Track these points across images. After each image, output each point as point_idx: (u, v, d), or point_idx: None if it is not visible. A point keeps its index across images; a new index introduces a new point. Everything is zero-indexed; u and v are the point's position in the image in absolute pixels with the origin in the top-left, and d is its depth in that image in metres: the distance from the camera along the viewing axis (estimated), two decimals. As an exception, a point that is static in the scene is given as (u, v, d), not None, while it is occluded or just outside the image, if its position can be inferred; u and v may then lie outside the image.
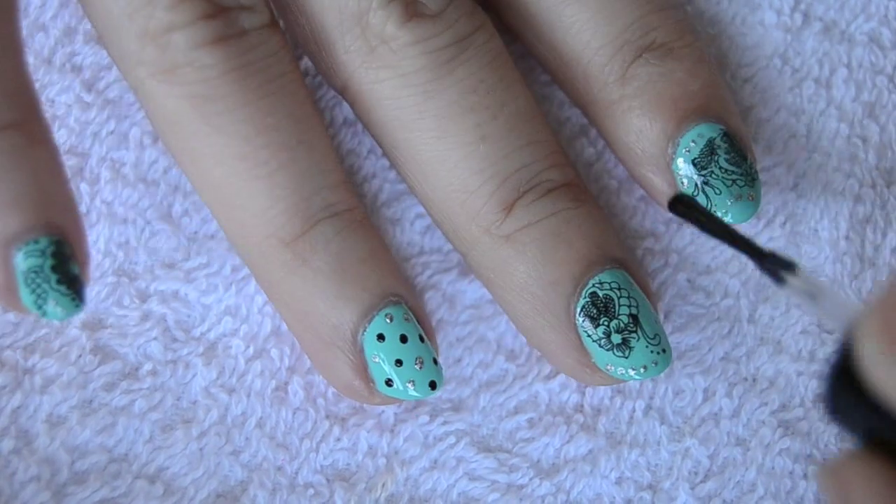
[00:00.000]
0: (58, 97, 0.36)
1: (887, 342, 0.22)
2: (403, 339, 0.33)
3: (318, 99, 0.37)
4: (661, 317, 0.36)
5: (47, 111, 0.35)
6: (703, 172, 0.34)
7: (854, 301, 0.25)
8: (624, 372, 0.33)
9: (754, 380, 0.36)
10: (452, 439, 0.35)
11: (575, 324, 0.33)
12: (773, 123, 0.37)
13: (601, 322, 0.33)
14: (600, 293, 0.33)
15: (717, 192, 0.34)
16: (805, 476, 0.35)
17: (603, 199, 0.37)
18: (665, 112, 0.34)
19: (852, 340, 0.23)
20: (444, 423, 0.35)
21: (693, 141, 0.34)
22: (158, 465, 0.34)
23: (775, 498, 0.35)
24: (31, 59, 0.36)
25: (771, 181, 0.37)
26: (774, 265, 0.28)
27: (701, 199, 0.34)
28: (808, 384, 0.36)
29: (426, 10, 0.32)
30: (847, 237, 0.37)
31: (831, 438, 0.36)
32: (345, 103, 0.37)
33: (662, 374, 0.36)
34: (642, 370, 0.33)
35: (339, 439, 0.35)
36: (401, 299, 0.33)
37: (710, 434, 0.36)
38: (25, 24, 0.36)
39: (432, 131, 0.33)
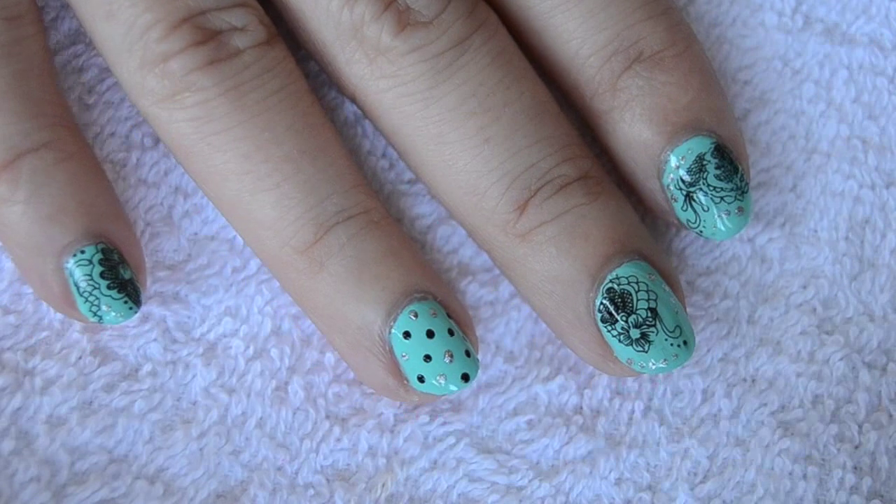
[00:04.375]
0: (59, 99, 0.36)
1: None
2: (430, 334, 0.33)
3: (319, 99, 0.37)
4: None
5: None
6: (692, 189, 0.34)
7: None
8: (645, 366, 0.33)
9: (753, 381, 0.36)
10: (452, 440, 0.35)
11: (595, 319, 0.33)
12: (772, 125, 0.37)
13: (619, 318, 0.33)
14: (617, 289, 0.33)
15: (705, 208, 0.34)
16: (804, 476, 0.35)
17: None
18: (654, 127, 0.34)
19: None
20: (444, 423, 0.35)
21: (682, 156, 0.34)
22: (158, 466, 0.34)
23: (774, 498, 0.35)
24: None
25: (770, 182, 0.37)
26: None
27: (689, 215, 0.34)
28: (808, 385, 0.36)
29: (420, 18, 0.33)
30: (846, 238, 0.37)
31: (830, 439, 0.36)
32: (346, 104, 0.37)
33: (661, 375, 0.36)
34: (663, 363, 0.33)
35: (339, 439, 0.35)
36: (427, 294, 0.33)
37: (709, 435, 0.36)
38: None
39: (436, 137, 0.33)
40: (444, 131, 0.33)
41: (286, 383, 0.35)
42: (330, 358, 0.35)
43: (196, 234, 0.36)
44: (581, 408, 0.36)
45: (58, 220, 0.32)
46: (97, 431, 0.34)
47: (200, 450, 0.35)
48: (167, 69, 0.32)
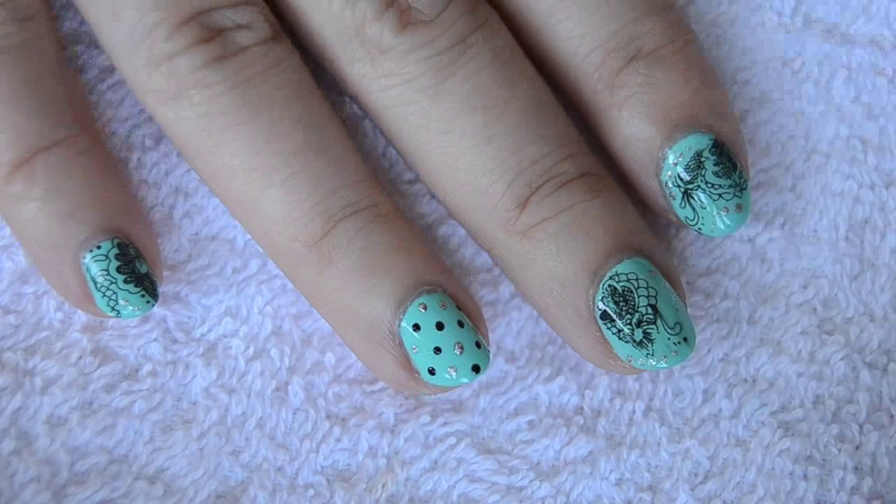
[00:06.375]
0: (59, 100, 0.36)
1: None
2: (440, 326, 0.33)
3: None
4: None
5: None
6: (690, 186, 0.34)
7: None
8: (644, 362, 0.33)
9: (754, 381, 0.36)
10: (453, 440, 0.35)
11: (595, 317, 0.33)
12: (772, 125, 0.37)
13: (620, 315, 0.33)
14: (618, 286, 0.33)
15: (703, 206, 0.34)
16: (805, 477, 0.35)
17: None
18: (653, 123, 0.34)
19: None
20: (445, 423, 0.35)
21: (681, 153, 0.33)
22: (158, 466, 0.34)
23: (775, 499, 0.35)
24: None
25: (770, 182, 0.37)
26: None
27: (688, 212, 0.34)
28: (808, 385, 0.36)
29: (421, 17, 0.33)
30: (846, 238, 0.37)
31: (831, 439, 0.36)
32: (347, 104, 0.37)
33: (662, 375, 0.36)
34: (663, 360, 0.33)
35: (339, 440, 0.35)
36: (436, 286, 0.33)
37: (709, 435, 0.36)
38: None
39: (438, 135, 0.33)
40: (447, 129, 0.33)
41: (286, 383, 0.35)
42: (330, 358, 0.35)
43: (197, 234, 0.36)
44: (582, 408, 0.36)
45: (73, 216, 0.33)
46: (97, 431, 0.34)
47: (200, 450, 0.35)
48: (173, 67, 0.32)
